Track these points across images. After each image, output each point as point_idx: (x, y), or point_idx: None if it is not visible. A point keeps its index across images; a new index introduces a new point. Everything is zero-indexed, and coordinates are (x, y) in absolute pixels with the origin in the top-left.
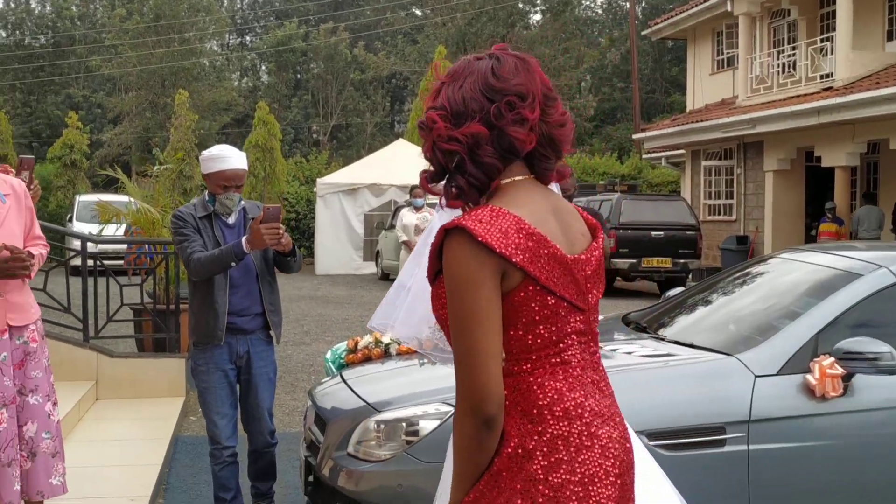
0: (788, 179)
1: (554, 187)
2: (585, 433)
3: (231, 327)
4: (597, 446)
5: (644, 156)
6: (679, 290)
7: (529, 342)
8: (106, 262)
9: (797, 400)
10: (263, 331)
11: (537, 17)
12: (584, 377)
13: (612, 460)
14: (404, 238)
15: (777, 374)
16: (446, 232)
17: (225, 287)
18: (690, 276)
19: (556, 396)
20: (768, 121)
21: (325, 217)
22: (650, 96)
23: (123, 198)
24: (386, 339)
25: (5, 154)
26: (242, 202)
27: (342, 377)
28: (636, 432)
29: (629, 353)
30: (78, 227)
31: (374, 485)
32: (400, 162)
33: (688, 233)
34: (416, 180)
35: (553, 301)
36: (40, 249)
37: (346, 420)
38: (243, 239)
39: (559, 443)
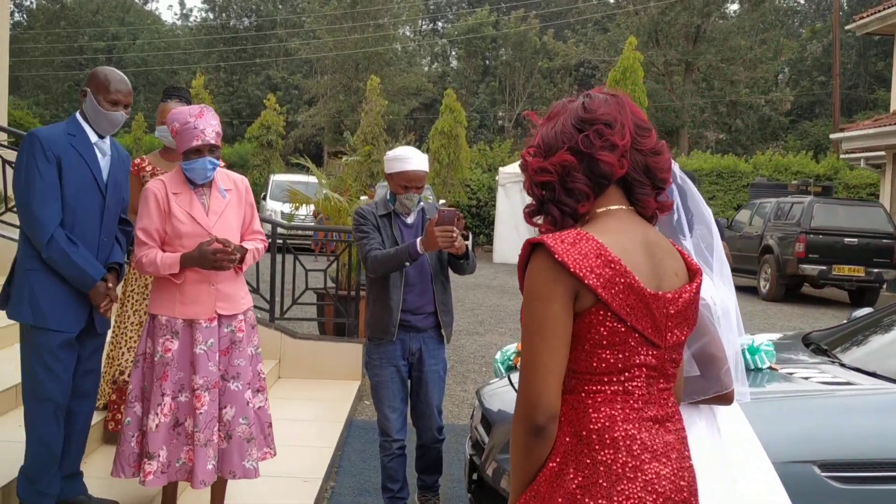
0: None
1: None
2: (630, 465)
3: (404, 324)
4: (639, 480)
5: (842, 155)
6: (867, 310)
7: (594, 365)
8: (293, 242)
9: None
10: (435, 329)
11: (734, 6)
12: (644, 410)
13: (655, 496)
14: None
15: None
16: (531, 246)
17: (400, 285)
18: (885, 287)
19: (608, 423)
20: None
21: (504, 206)
22: (852, 91)
23: (314, 179)
24: None
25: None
26: (422, 203)
27: (510, 380)
28: (806, 461)
29: (806, 378)
30: (271, 205)
31: None
32: None
33: (884, 241)
34: None
35: (623, 329)
36: (256, 244)
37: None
38: (418, 240)
39: (601, 468)
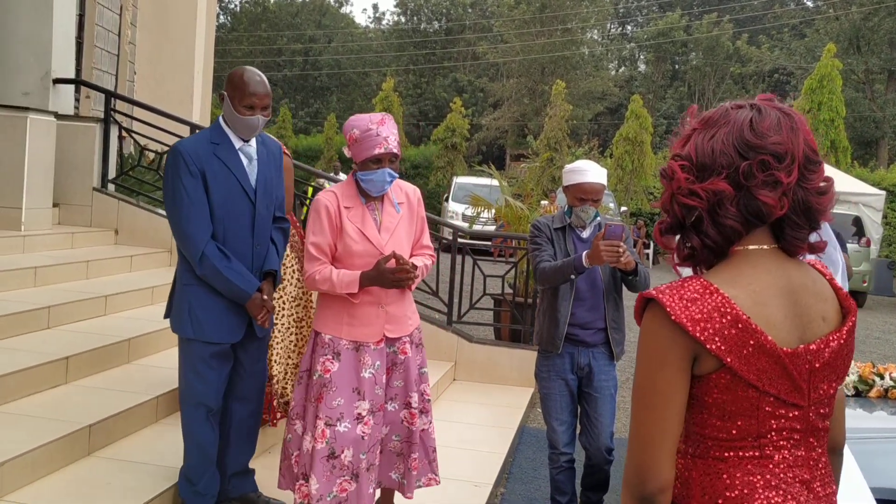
0: None
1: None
2: None
3: (573, 338)
4: None
5: None
6: None
7: (724, 434)
8: (473, 244)
9: None
10: (606, 346)
11: None
12: (787, 476)
13: None
14: None
15: None
16: (645, 301)
17: (569, 298)
18: None
19: (746, 492)
20: None
21: None
22: None
23: (496, 182)
24: None
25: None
26: (599, 217)
27: None
28: None
29: None
30: (453, 206)
31: None
32: None
33: None
34: None
35: (755, 395)
36: (426, 261)
37: None
38: (584, 253)
39: None
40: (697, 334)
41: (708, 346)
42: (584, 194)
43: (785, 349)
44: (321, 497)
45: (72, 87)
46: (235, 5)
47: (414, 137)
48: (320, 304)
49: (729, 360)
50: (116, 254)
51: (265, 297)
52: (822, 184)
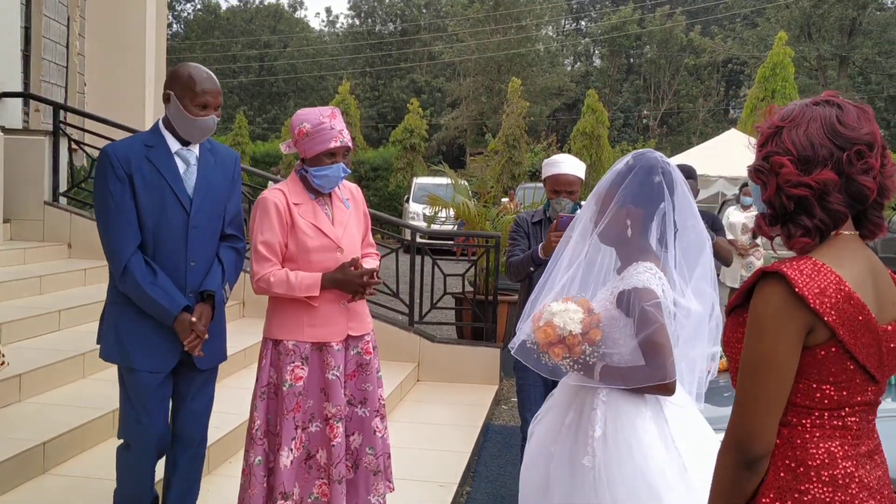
0: None
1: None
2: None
3: None
4: None
5: None
6: None
7: (816, 399)
8: (432, 244)
9: None
10: None
11: None
12: (859, 446)
13: None
14: (730, 237)
15: None
16: (763, 274)
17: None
18: None
19: (827, 460)
20: None
21: None
22: None
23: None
24: None
25: (353, 137)
26: (578, 210)
27: None
28: None
29: None
30: (413, 207)
31: None
32: (731, 152)
33: None
34: (746, 173)
35: (853, 367)
36: (376, 262)
37: None
38: (539, 245)
39: None
40: (818, 307)
41: (825, 318)
42: (558, 186)
43: (882, 327)
44: (302, 499)
45: (19, 101)
46: (188, 14)
47: (373, 140)
48: (273, 309)
49: (841, 332)
50: (70, 268)
51: (194, 319)
52: (892, 166)
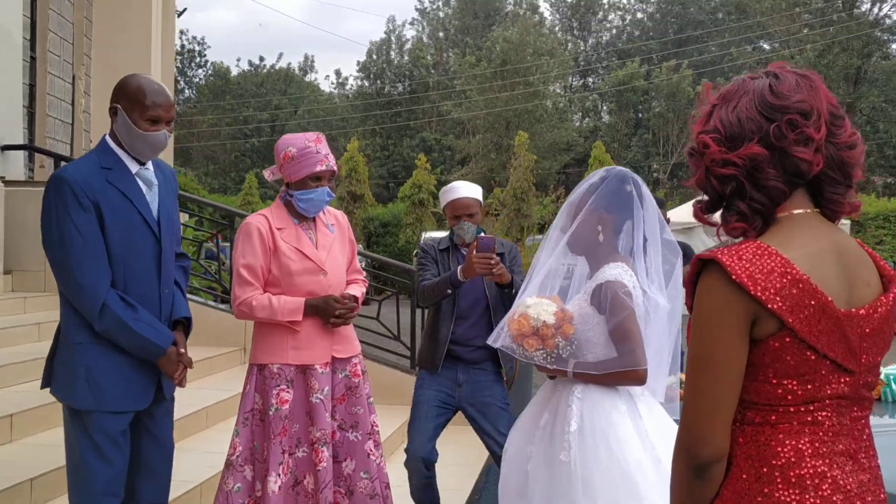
0: None
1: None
2: None
3: (453, 355)
4: None
5: None
6: None
7: (779, 395)
8: None
9: None
10: (491, 363)
11: None
12: (834, 444)
13: None
14: None
15: None
16: (701, 263)
17: (451, 318)
18: None
19: (794, 459)
20: None
21: None
22: None
23: None
24: None
25: (362, 193)
26: (481, 234)
27: None
28: None
29: None
30: None
31: None
32: None
33: None
34: None
35: (814, 358)
36: (361, 289)
37: None
38: (458, 268)
39: None
40: (759, 293)
41: (770, 306)
42: (458, 211)
43: (842, 311)
44: None
45: (21, 154)
46: (199, 79)
47: (383, 199)
48: (258, 334)
49: (790, 320)
50: None
51: (181, 350)
52: (850, 138)
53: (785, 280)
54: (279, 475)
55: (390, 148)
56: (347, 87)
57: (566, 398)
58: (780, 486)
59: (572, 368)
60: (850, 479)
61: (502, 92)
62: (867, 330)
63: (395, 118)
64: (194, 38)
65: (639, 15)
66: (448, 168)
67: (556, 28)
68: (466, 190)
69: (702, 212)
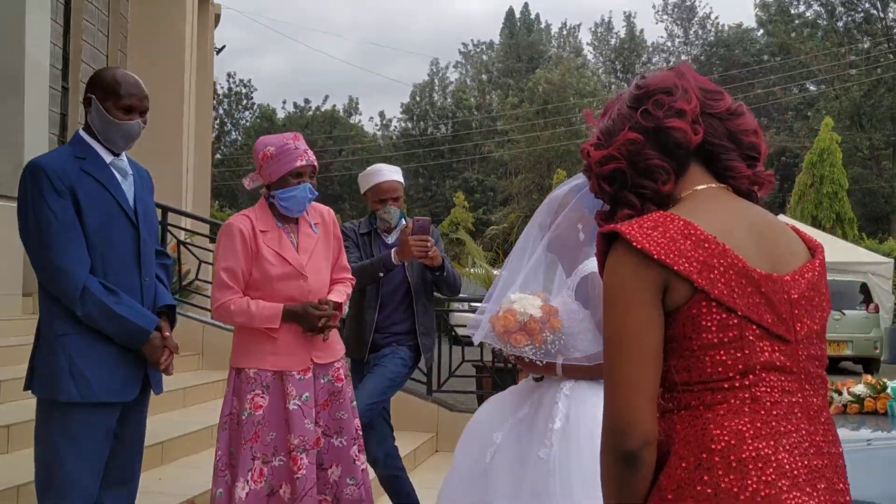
0: None
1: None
2: (762, 494)
3: (378, 344)
4: None
5: None
6: None
7: (708, 370)
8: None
9: None
10: (411, 349)
11: None
12: (780, 425)
13: None
14: None
15: None
16: (603, 238)
17: (375, 305)
18: None
19: (733, 442)
20: None
21: None
22: None
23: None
24: None
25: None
26: (403, 220)
27: None
28: None
29: None
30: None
31: None
32: None
33: None
34: None
35: (735, 321)
36: (346, 290)
37: None
38: (393, 250)
39: (724, 499)
40: (663, 257)
41: (676, 268)
42: (382, 194)
43: (760, 272)
44: None
45: None
46: (246, 121)
47: None
48: (238, 338)
49: (701, 281)
50: None
51: (165, 334)
52: (733, 106)
53: (689, 241)
54: (247, 482)
55: (433, 188)
56: (391, 129)
57: (552, 394)
58: (720, 471)
59: (562, 363)
60: (800, 464)
61: (543, 132)
62: (794, 295)
63: (438, 159)
64: (241, 80)
65: (683, 57)
66: (490, 208)
67: (600, 70)
68: (391, 173)
69: (604, 220)
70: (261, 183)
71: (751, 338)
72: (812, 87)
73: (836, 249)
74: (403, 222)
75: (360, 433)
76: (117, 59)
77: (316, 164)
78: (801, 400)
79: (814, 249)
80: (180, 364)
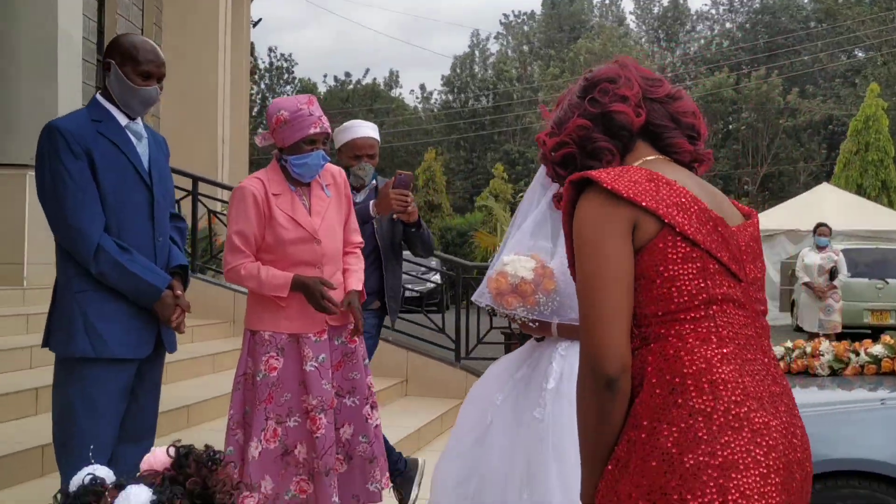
0: None
1: None
2: (733, 412)
3: None
4: (746, 429)
5: None
6: None
7: (675, 299)
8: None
9: None
10: (378, 311)
11: None
12: (742, 353)
13: (766, 449)
14: (805, 279)
15: None
16: (573, 186)
17: None
18: None
19: (704, 367)
20: None
21: None
22: None
23: None
24: None
25: (439, 203)
26: (377, 179)
27: None
28: None
29: None
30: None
31: None
32: (822, 206)
33: None
34: (834, 226)
35: (697, 254)
36: (361, 264)
37: None
38: (371, 202)
39: (699, 419)
40: (632, 196)
41: (644, 204)
42: (358, 150)
43: (715, 212)
44: (278, 496)
45: None
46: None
47: (468, 210)
48: (252, 300)
49: (664, 213)
50: None
51: (177, 292)
52: (672, 91)
53: (652, 184)
54: (260, 441)
55: (474, 161)
56: (432, 101)
57: (548, 355)
58: (693, 393)
59: (557, 321)
60: (762, 388)
61: None
62: (741, 244)
63: (479, 130)
64: (282, 55)
65: (727, 25)
66: (531, 180)
67: (643, 39)
68: (367, 129)
69: (559, 202)
70: (271, 143)
71: (711, 270)
72: (859, 54)
73: (881, 218)
74: (374, 182)
75: (373, 391)
76: (152, 32)
77: (330, 130)
78: (754, 334)
79: (748, 214)
80: (211, 331)
